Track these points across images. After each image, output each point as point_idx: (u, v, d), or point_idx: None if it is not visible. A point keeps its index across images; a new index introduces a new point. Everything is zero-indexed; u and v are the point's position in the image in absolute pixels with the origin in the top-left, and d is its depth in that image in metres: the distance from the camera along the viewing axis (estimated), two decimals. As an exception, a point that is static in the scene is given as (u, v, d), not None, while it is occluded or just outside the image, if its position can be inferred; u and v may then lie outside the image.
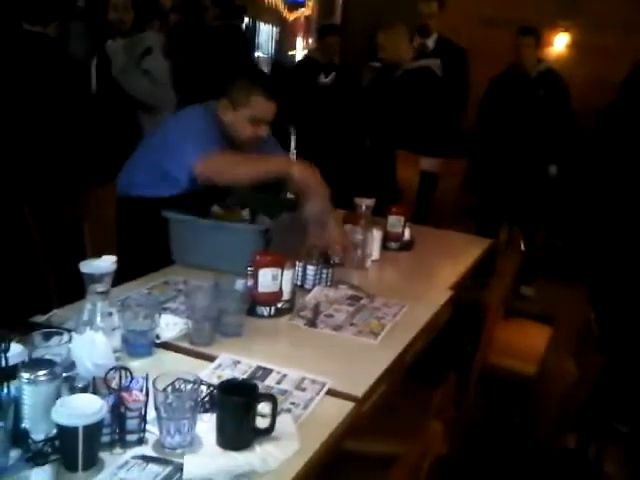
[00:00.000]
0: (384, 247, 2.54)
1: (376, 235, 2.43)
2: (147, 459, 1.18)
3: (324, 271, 2.09)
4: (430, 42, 3.89)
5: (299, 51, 5.50)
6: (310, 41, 5.51)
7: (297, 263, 2.04)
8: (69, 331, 1.40)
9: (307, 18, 5.47)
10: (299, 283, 2.05)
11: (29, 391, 1.17)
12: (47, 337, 1.41)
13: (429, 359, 1.94)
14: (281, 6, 5.45)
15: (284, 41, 5.61)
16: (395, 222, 2.61)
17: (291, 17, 5.50)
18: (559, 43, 5.38)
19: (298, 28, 5.51)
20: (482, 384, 2.00)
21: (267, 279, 1.82)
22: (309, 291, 2.05)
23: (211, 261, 2.03)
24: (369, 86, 4.03)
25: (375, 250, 2.44)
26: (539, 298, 4.05)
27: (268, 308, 1.84)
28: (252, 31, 5.09)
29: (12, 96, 2.44)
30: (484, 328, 1.87)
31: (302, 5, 5.49)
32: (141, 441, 1.22)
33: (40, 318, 1.65)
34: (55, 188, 2.38)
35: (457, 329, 2.24)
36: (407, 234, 2.65)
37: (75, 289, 1.72)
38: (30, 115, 2.51)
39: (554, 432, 1.39)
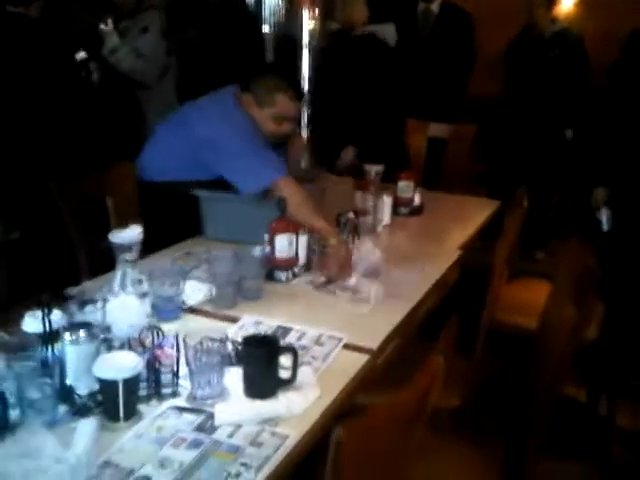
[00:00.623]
0: (395, 212, 2.62)
1: (386, 201, 2.51)
2: (181, 409, 1.30)
3: (349, 239, 2.13)
4: (434, 7, 3.90)
5: (305, 22, 5.51)
6: (316, 12, 5.51)
7: None
8: (103, 301, 1.51)
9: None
10: None
11: (72, 351, 1.28)
12: (82, 305, 1.52)
13: (439, 319, 2.03)
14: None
15: (291, 13, 5.61)
16: (405, 187, 2.68)
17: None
18: (567, 1, 5.36)
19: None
20: (490, 341, 2.09)
21: (283, 244, 1.92)
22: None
23: (238, 234, 2.08)
24: (326, 47, 4.01)
25: (386, 215, 2.52)
26: (551, 259, 4.11)
27: (285, 272, 1.94)
28: (258, 5, 5.11)
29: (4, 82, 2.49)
30: (490, 285, 1.96)
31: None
32: (175, 394, 1.33)
33: (73, 290, 1.77)
34: (76, 166, 2.48)
35: (466, 290, 2.33)
36: (417, 199, 2.72)
37: (102, 263, 1.85)
38: (27, 99, 2.58)
39: (556, 376, 1.47)
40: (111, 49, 3.41)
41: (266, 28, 5.21)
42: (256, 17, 4.93)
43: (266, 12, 5.45)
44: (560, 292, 1.55)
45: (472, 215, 2.74)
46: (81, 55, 3.26)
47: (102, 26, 3.43)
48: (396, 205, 2.65)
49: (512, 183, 2.89)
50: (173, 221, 2.22)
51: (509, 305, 2.32)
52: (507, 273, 2.00)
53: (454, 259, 2.21)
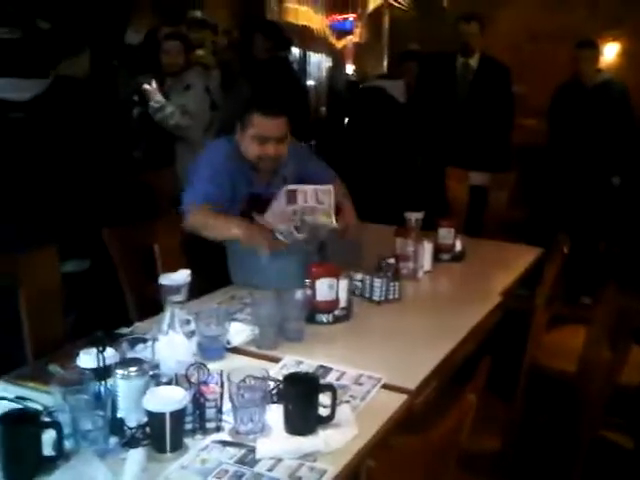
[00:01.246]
0: (436, 259, 2.66)
1: (427, 247, 2.56)
2: (225, 443, 1.35)
3: (391, 284, 2.20)
4: (473, 61, 4.01)
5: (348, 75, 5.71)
6: (357, 67, 5.72)
7: (364, 276, 2.20)
8: (152, 340, 1.59)
9: (355, 44, 5.68)
10: (367, 295, 2.20)
11: (123, 385, 1.36)
12: (133, 344, 1.62)
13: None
14: (330, 35, 5.68)
15: (338, 67, 5.81)
16: (446, 234, 2.73)
17: (339, 45, 5.73)
18: (609, 52, 5.42)
19: (347, 55, 5.72)
20: (532, 386, 2.10)
21: (324, 288, 1.98)
22: (378, 303, 2.18)
23: (268, 282, 2.11)
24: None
25: (427, 261, 2.56)
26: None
27: (326, 315, 2.00)
28: (303, 61, 5.33)
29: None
30: (530, 330, 1.98)
31: (350, 33, 5.70)
32: (219, 428, 1.39)
33: (125, 330, 1.87)
34: (127, 216, 2.61)
35: (507, 335, 2.34)
36: (458, 245, 2.76)
37: (150, 306, 1.94)
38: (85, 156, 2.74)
39: (594, 420, 1.48)
40: (156, 108, 3.59)
41: (311, 81, 5.41)
42: (300, 73, 5.14)
43: (311, 68, 5.68)
44: (595, 336, 1.56)
45: (514, 262, 2.75)
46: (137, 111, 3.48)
47: (146, 86, 3.64)
48: (437, 251, 2.68)
49: (554, 230, 2.91)
50: (216, 268, 2.31)
51: (552, 350, 2.33)
52: (547, 317, 2.02)
53: (494, 304, 2.23)
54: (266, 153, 2.36)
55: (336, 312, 2.02)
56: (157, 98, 3.60)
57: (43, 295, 1.89)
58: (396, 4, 5.71)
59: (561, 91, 4.22)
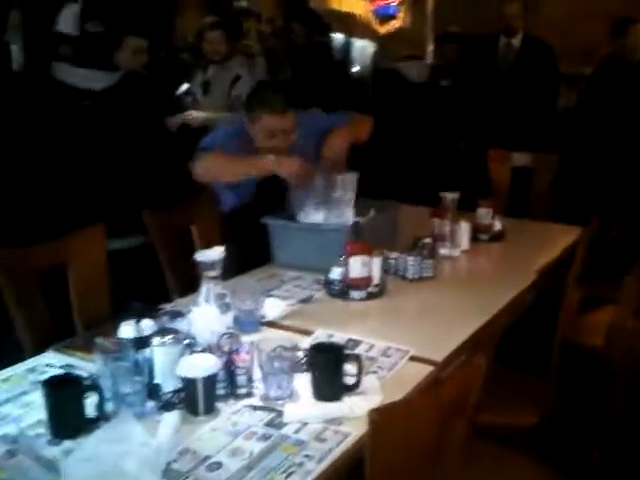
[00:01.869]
0: (475, 239, 2.67)
1: (464, 226, 2.57)
2: (255, 407, 1.43)
3: (425, 262, 2.23)
4: (516, 41, 3.98)
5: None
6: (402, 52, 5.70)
7: (397, 254, 2.23)
8: (189, 312, 1.68)
9: (399, 29, 5.67)
10: (401, 273, 2.24)
11: (159, 353, 1.44)
12: (172, 317, 1.71)
13: (512, 342, 2.06)
14: (373, 20, 5.69)
15: (382, 53, 5.81)
16: (484, 214, 2.73)
17: (383, 30, 5.73)
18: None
19: (391, 40, 5.72)
20: (568, 363, 2.11)
21: (357, 266, 2.03)
22: (411, 281, 2.21)
23: (306, 260, 2.23)
24: None
25: (464, 241, 2.58)
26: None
27: (360, 292, 2.05)
28: (347, 47, 5.35)
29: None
30: (562, 305, 1.99)
31: (394, 17, 5.69)
32: (249, 394, 1.46)
33: (166, 306, 1.96)
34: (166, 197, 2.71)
35: (543, 313, 2.35)
36: (497, 225, 2.76)
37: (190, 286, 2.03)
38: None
39: (622, 392, 1.49)
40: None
41: (355, 68, 5.43)
42: (343, 59, 5.16)
43: (356, 53, 5.69)
44: (622, 307, 1.57)
45: (553, 241, 2.73)
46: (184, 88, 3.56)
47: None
48: (476, 232, 2.69)
49: (589, 212, 2.89)
50: (257, 247, 2.38)
51: (586, 327, 2.32)
52: (578, 296, 2.02)
53: (529, 282, 2.24)
54: (276, 145, 2.37)
55: (369, 289, 2.07)
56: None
57: (91, 272, 2.00)
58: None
59: (601, 68, 4.14)
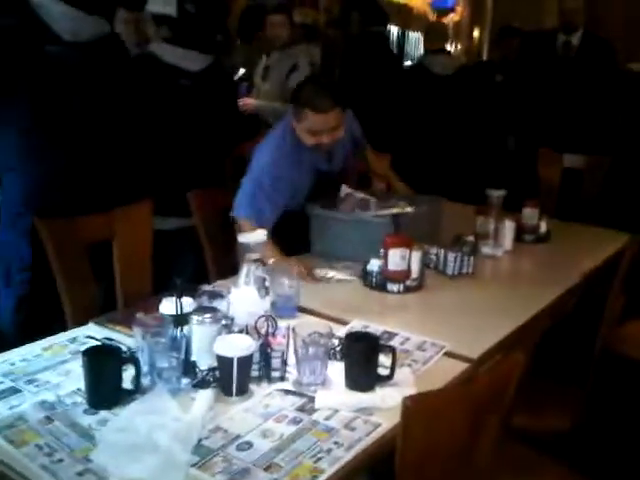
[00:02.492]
0: (519, 239, 2.63)
1: (508, 226, 2.53)
2: (287, 392, 1.44)
3: (465, 258, 2.22)
4: (575, 39, 3.87)
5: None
6: (459, 46, 5.63)
7: (439, 249, 2.22)
8: (228, 293, 1.70)
9: (456, 23, 5.60)
10: (441, 269, 2.23)
11: (197, 331, 1.47)
12: (212, 298, 1.73)
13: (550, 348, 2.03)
14: (430, 13, 5.63)
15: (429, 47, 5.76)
16: (530, 214, 2.69)
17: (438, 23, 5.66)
18: None
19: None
20: (606, 371, 2.07)
21: (396, 258, 2.02)
22: (451, 277, 2.20)
23: (348, 251, 2.24)
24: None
25: (508, 240, 2.54)
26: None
27: (398, 285, 2.04)
28: (401, 40, 5.31)
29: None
30: (603, 315, 1.95)
31: (451, 10, 5.62)
32: (283, 378, 1.47)
33: (207, 287, 1.99)
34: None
35: (584, 319, 2.30)
36: (543, 227, 2.72)
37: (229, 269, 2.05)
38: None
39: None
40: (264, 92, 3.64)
41: (408, 62, 5.39)
42: (398, 52, 5.12)
43: (410, 48, 5.65)
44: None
45: (600, 246, 2.67)
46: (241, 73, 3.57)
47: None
48: (521, 232, 2.66)
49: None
50: (297, 236, 2.39)
51: (627, 337, 2.27)
52: (621, 303, 1.98)
53: (572, 285, 2.20)
54: (321, 143, 2.36)
55: (407, 282, 2.06)
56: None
57: (135, 247, 2.04)
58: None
59: None
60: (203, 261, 2.38)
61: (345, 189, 2.50)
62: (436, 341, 1.69)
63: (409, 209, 2.34)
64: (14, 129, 2.19)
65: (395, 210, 2.31)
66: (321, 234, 2.39)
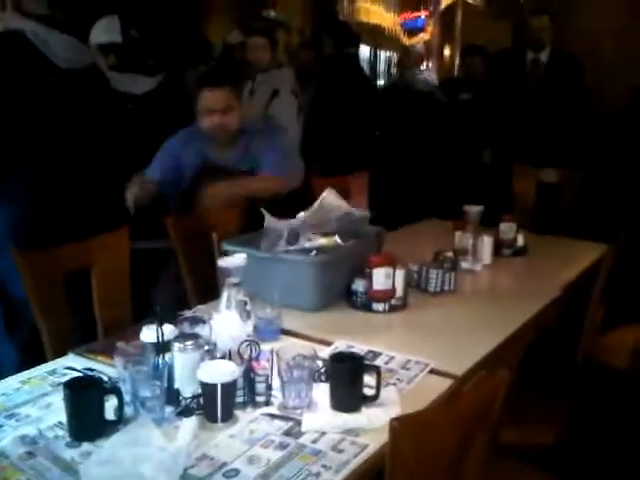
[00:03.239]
0: (497, 254, 2.65)
1: (486, 240, 2.55)
2: (273, 416, 1.42)
3: (447, 275, 2.23)
4: (543, 56, 3.95)
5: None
6: (430, 65, 5.70)
7: (421, 267, 2.22)
8: (210, 318, 1.68)
9: (426, 43, 5.67)
10: (423, 286, 2.23)
11: (179, 358, 1.45)
12: (193, 323, 1.71)
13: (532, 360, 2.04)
14: (401, 33, 5.71)
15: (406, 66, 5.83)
16: (507, 229, 2.72)
17: (410, 43, 5.74)
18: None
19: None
20: (588, 382, 2.08)
21: (380, 277, 2.02)
22: (433, 294, 2.20)
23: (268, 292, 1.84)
24: None
25: (486, 255, 2.56)
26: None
27: (383, 304, 2.04)
28: (373, 59, 5.37)
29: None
30: (583, 326, 1.96)
31: (422, 30, 5.70)
32: (268, 403, 1.46)
33: (187, 313, 1.96)
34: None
35: (564, 331, 2.32)
36: (520, 240, 2.74)
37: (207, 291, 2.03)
38: None
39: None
40: None
41: (380, 81, 5.45)
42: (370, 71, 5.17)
43: (381, 67, 5.71)
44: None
45: (577, 258, 2.71)
46: None
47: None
48: (499, 246, 2.68)
49: (614, 229, 2.85)
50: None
51: (608, 347, 2.29)
52: (601, 314, 2.00)
53: (551, 298, 2.21)
54: (212, 123, 2.55)
55: (392, 301, 2.05)
56: None
57: (113, 276, 2.02)
58: (469, 1, 5.67)
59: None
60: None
61: (270, 220, 2.10)
62: (420, 359, 1.69)
63: (337, 241, 2.12)
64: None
65: (320, 243, 2.11)
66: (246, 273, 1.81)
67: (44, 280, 1.90)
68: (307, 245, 2.09)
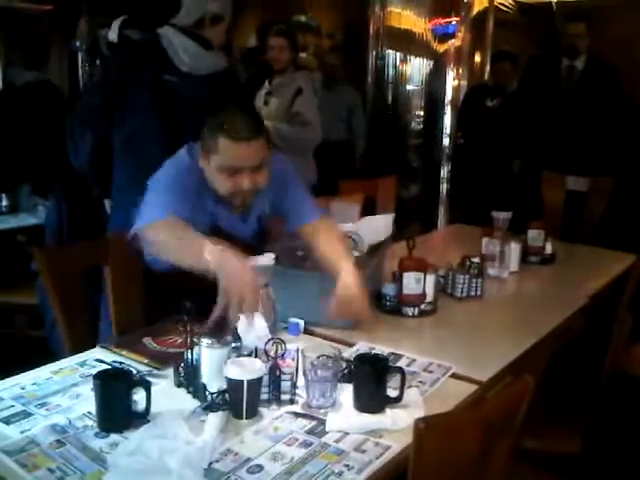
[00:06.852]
0: (525, 261, 2.64)
1: (514, 247, 2.55)
2: (297, 414, 1.44)
3: (474, 281, 2.23)
4: (579, 63, 3.92)
5: (449, 81, 5.68)
6: (460, 71, 5.68)
7: (448, 272, 2.23)
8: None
9: (457, 49, 5.65)
10: (449, 291, 2.23)
11: (207, 354, 1.47)
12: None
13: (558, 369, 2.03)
14: (431, 39, 5.69)
15: (437, 73, 5.82)
16: (535, 236, 2.70)
17: (441, 49, 5.72)
18: None
19: (449, 59, 5.71)
20: (615, 392, 2.06)
21: (411, 282, 2.02)
22: (459, 299, 2.21)
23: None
24: None
25: (514, 262, 2.55)
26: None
27: (412, 308, 2.04)
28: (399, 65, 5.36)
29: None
30: (612, 335, 1.95)
31: (453, 36, 5.68)
32: (292, 401, 1.48)
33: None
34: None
35: (592, 340, 2.30)
36: (548, 248, 2.73)
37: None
38: None
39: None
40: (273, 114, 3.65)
41: (410, 86, 5.44)
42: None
43: (412, 71, 5.70)
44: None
45: (606, 267, 2.69)
46: None
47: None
48: (526, 254, 2.67)
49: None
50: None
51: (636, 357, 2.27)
52: (630, 324, 1.98)
53: (579, 306, 2.20)
54: (240, 187, 1.83)
55: (422, 306, 2.05)
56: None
57: (127, 273, 2.03)
58: (502, 7, 5.64)
59: None
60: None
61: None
62: (442, 362, 1.69)
63: None
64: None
65: None
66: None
67: (63, 277, 1.91)
68: None
